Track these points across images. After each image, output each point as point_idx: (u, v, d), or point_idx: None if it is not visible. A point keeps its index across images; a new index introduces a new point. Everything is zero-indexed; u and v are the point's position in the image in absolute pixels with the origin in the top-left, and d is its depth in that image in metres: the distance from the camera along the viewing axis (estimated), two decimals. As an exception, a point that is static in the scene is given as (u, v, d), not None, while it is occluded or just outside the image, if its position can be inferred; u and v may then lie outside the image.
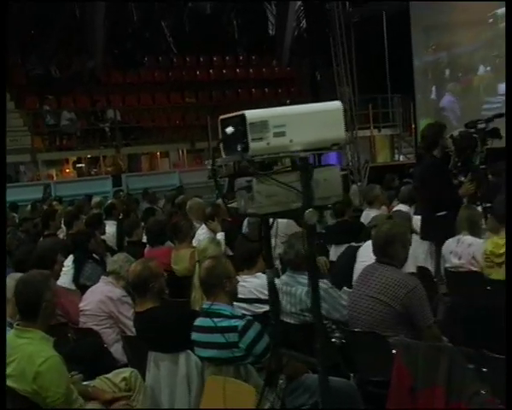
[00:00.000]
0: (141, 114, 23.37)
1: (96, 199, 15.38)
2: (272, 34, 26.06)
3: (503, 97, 20.65)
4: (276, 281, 6.52)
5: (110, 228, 11.36)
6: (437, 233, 8.36)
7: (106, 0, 22.20)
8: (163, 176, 21.05)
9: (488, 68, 21.29)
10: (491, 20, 21.13)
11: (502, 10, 20.84)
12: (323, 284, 5.89)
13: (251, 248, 6.47)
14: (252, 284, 6.40)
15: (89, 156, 23.25)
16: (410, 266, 7.06)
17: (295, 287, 6.12)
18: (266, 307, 6.44)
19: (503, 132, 9.25)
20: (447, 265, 7.79)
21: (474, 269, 7.39)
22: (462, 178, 9.24)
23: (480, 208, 8.68)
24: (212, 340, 5.04)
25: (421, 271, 8.04)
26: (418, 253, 8.65)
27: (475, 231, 7.65)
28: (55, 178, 22.43)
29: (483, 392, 4.93)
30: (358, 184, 19.16)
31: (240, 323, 5.02)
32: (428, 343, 5.19)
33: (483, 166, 9.06)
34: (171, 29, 25.24)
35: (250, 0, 25.93)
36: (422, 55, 22.21)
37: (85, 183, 21.46)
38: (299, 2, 23.31)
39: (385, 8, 24.16)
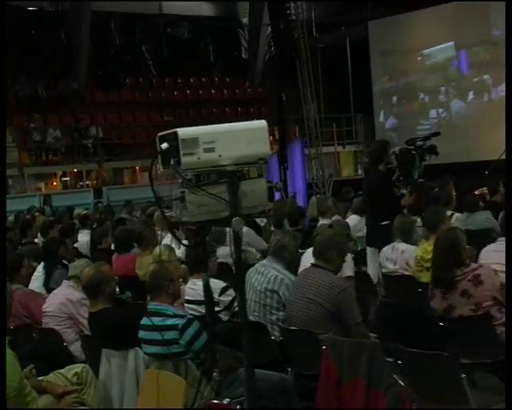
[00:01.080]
0: (122, 131, 23.40)
1: (78, 210, 15.47)
2: (245, 58, 26.11)
3: (435, 120, 21.10)
4: (256, 263, 6.78)
5: (84, 237, 11.46)
6: (380, 241, 8.47)
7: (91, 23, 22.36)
8: (142, 189, 21.00)
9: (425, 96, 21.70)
10: (419, 59, 21.55)
11: (429, 50, 21.34)
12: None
13: (199, 254, 6.58)
14: (200, 286, 6.48)
15: (75, 170, 23.27)
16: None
17: (268, 270, 6.40)
18: (216, 308, 6.60)
19: (439, 150, 9.47)
20: (383, 270, 7.94)
21: (407, 273, 7.54)
22: (404, 191, 9.42)
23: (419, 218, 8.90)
24: (156, 337, 5.14)
25: (361, 275, 8.18)
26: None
27: (408, 239, 7.80)
28: (43, 191, 22.45)
29: (401, 383, 5.08)
30: (319, 196, 19.30)
31: (180, 322, 5.14)
32: (351, 339, 5.33)
33: (421, 180, 9.25)
34: (150, 52, 25.23)
35: (224, 26, 26.09)
36: (379, 79, 22.37)
37: (69, 195, 21.54)
38: (269, 29, 23.39)
39: (349, 34, 24.44)
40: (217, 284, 6.63)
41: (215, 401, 4.44)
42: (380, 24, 21.90)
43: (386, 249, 7.98)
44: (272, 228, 11.33)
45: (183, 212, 4.42)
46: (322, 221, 10.74)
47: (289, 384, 5.62)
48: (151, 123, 23.44)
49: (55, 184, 23.88)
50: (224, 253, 9.53)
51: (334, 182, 21.29)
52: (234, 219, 4.27)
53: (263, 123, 4.55)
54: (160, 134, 4.53)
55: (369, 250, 9.05)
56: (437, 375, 4.88)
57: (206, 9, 25.63)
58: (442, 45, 20.88)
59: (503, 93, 19.48)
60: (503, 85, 19.60)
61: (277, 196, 18.63)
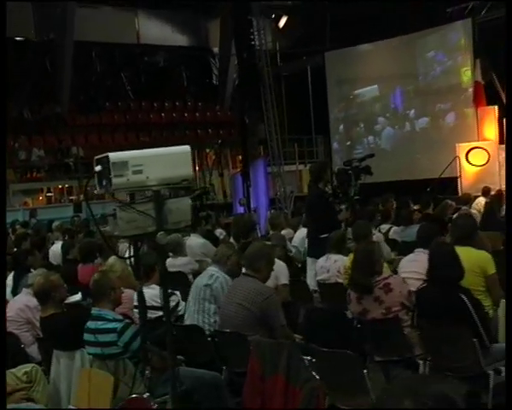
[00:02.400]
0: (101, 151, 23.16)
1: (55, 223, 15.53)
2: (216, 84, 26.23)
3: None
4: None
5: (58, 247, 11.54)
6: (319, 252, 8.63)
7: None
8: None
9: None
10: (364, 89, 21.83)
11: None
12: None
13: (147, 264, 6.72)
14: (147, 294, 6.60)
15: (60, 187, 23.28)
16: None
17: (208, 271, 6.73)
18: (160, 313, 6.74)
19: (373, 170, 9.68)
20: (318, 278, 8.10)
21: (339, 281, 7.71)
22: (342, 207, 9.61)
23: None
24: (98, 339, 5.28)
25: (299, 283, 8.34)
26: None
27: (340, 250, 7.96)
28: (30, 205, 22.44)
29: (317, 378, 5.24)
30: (273, 211, 19.38)
31: (119, 325, 5.27)
32: (273, 340, 5.49)
33: (357, 197, 9.43)
34: (129, 78, 25.32)
35: (197, 55, 26.26)
36: (334, 106, 22.62)
37: (53, 209, 21.57)
38: (237, 58, 23.56)
39: (309, 63, 24.69)
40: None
41: (134, 396, 4.58)
42: (335, 55, 22.08)
43: (322, 259, 8.14)
44: (231, 240, 11.49)
45: (116, 227, 4.61)
46: (273, 234, 10.89)
47: (220, 381, 5.75)
48: (128, 143, 23.32)
49: (41, 198, 23.90)
50: (181, 262, 9.73)
51: (296, 197, 21.42)
52: (159, 234, 4.44)
53: (186, 148, 4.71)
54: (96, 157, 4.69)
55: (309, 260, 9.21)
56: (342, 371, 5.05)
57: (180, 40, 25.77)
58: (383, 77, 21.21)
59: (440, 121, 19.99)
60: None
61: (241, 210, 18.79)
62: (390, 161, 19.69)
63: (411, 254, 7.13)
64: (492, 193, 14.29)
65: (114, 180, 4.37)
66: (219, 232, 12.95)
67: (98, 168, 4.50)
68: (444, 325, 5.48)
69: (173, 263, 9.57)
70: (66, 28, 22.54)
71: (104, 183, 4.46)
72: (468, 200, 13.24)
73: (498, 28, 18.56)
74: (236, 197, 19.83)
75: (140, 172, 4.43)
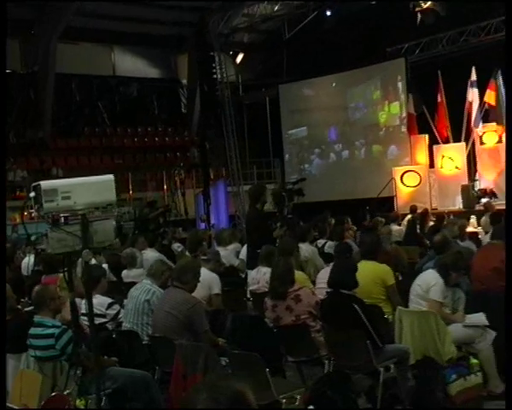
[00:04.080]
0: (79, 172, 23.34)
1: (32, 237, 15.50)
2: (184, 111, 26.37)
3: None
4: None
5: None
6: (256, 264, 8.81)
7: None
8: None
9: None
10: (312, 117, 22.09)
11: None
12: None
13: (92, 275, 6.86)
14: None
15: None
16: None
17: (145, 285, 6.85)
18: (102, 320, 6.90)
19: (306, 192, 9.93)
20: (250, 288, 8.27)
21: (267, 290, 7.87)
22: (278, 224, 9.83)
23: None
24: (38, 343, 5.42)
25: (236, 292, 8.52)
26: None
27: (270, 263, 8.13)
28: (17, 221, 22.32)
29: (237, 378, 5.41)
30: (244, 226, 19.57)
31: (56, 331, 5.40)
32: (194, 343, 5.66)
33: (290, 216, 9.67)
34: (105, 107, 25.30)
35: (167, 86, 26.42)
36: (287, 132, 22.91)
37: (34, 224, 21.49)
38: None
39: (268, 93, 24.94)
40: (104, 300, 6.94)
41: (54, 394, 4.72)
42: (287, 87, 22.41)
43: (254, 272, 8.32)
44: (187, 253, 11.62)
45: (48, 245, 4.76)
46: (219, 249, 11.04)
47: (150, 379, 5.88)
48: (103, 165, 23.42)
49: (26, 214, 23.74)
50: (135, 274, 9.86)
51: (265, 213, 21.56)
52: (84, 251, 4.62)
53: (110, 177, 4.89)
54: (33, 184, 4.87)
55: (248, 272, 9.38)
56: (250, 370, 5.23)
57: (152, 72, 25.93)
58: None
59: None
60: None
61: (202, 225, 18.96)
62: (336, 184, 20.00)
63: (327, 267, 7.36)
64: (419, 211, 14.63)
65: (45, 205, 4.55)
66: (177, 246, 13.07)
67: (32, 194, 4.67)
68: (342, 329, 5.71)
69: (128, 274, 9.72)
70: (48, 62, 22.67)
71: (37, 207, 4.63)
72: (396, 217, 13.55)
73: (428, 66, 19.06)
74: (199, 214, 20.00)
75: (68, 198, 4.60)
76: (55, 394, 4.70)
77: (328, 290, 5.96)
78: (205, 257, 8.07)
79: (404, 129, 19.50)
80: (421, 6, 14.64)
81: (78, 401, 4.97)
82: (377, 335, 5.60)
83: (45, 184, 4.60)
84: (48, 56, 22.67)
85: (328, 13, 17.35)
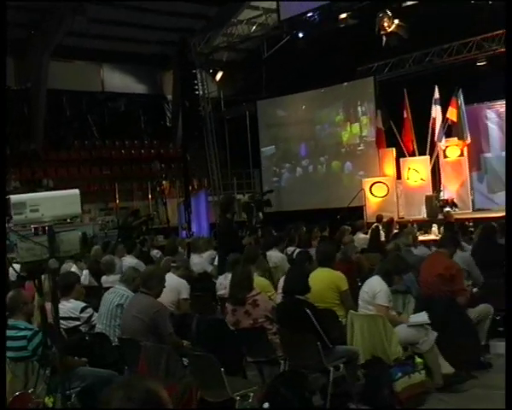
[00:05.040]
0: (69, 182, 23.29)
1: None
2: (169, 125, 26.41)
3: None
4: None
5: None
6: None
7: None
8: (81, 227, 20.87)
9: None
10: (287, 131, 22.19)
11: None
12: None
13: (66, 282, 6.95)
14: (66, 306, 6.84)
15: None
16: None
17: (118, 290, 6.93)
18: (76, 323, 6.97)
19: (281, 202, 10.05)
20: (218, 293, 8.37)
21: (231, 295, 7.97)
22: (248, 232, 9.97)
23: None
24: (12, 345, 5.48)
25: (206, 297, 8.61)
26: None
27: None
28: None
29: (190, 376, 5.53)
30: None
31: (28, 333, 5.49)
32: (156, 345, 5.75)
33: (259, 225, 9.80)
34: (94, 121, 25.25)
35: (153, 101, 26.48)
36: (265, 145, 23.05)
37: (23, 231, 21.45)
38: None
39: (248, 109, 25.06)
40: (78, 305, 7.02)
41: (18, 393, 4.80)
42: (265, 103, 22.59)
43: (221, 277, 8.43)
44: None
45: (17, 254, 4.86)
46: (194, 256, 11.14)
47: (116, 378, 5.95)
48: (92, 176, 23.48)
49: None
50: (113, 279, 9.91)
51: (235, 223, 21.63)
52: (50, 260, 4.72)
53: (75, 191, 4.99)
54: (7, 197, 4.97)
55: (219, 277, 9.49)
56: (208, 370, 5.34)
57: (139, 88, 25.95)
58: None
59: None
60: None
61: (183, 233, 19.03)
62: (307, 195, 20.15)
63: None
64: (385, 220, 14.81)
65: (14, 217, 4.64)
66: (156, 252, 13.14)
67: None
68: (295, 332, 5.84)
69: (106, 280, 9.79)
70: (41, 78, 22.71)
71: (7, 219, 4.72)
72: (362, 226, 13.69)
73: (395, 85, 19.29)
74: (180, 223, 20.07)
75: (36, 210, 4.70)
76: (18, 393, 4.77)
77: (284, 295, 6.08)
78: (175, 264, 8.15)
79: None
80: (385, 30, 14.86)
81: (46, 399, 5.04)
82: (327, 337, 5.72)
83: (14, 197, 4.69)
84: (40, 73, 22.72)
85: (301, 34, 17.51)
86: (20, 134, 23.85)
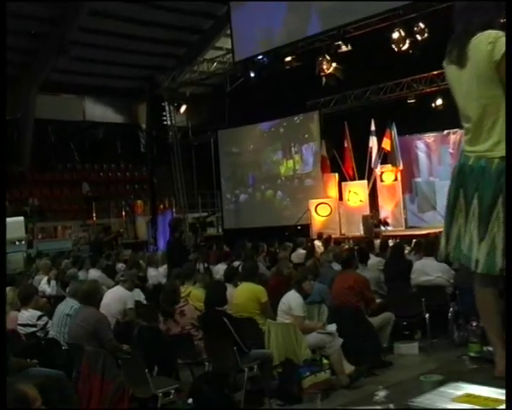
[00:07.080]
0: (52, 202, 23.31)
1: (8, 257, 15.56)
2: (143, 151, 26.60)
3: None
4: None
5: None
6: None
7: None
8: (62, 242, 20.94)
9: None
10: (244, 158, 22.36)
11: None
12: None
13: (26, 293, 7.11)
14: (25, 315, 6.98)
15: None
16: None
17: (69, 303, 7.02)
18: (33, 329, 7.11)
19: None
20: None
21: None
22: (193, 250, 10.20)
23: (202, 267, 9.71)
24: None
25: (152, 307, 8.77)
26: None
27: (183, 282, 8.39)
28: None
29: (122, 375, 5.71)
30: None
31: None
32: (95, 349, 5.92)
33: (203, 243, 10.04)
34: (75, 146, 25.37)
35: (129, 129, 26.64)
36: (224, 170, 23.26)
37: (13, 246, 21.36)
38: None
39: (212, 136, 25.26)
40: (35, 313, 7.16)
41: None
42: (224, 133, 22.89)
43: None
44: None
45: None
46: (150, 269, 11.28)
47: (63, 377, 6.09)
48: (73, 196, 23.56)
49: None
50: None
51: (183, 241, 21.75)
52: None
53: (20, 218, 5.30)
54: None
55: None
56: (134, 370, 5.53)
57: (117, 118, 26.15)
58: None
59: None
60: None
61: (150, 248, 19.16)
62: (256, 215, 20.53)
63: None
64: (324, 236, 15.13)
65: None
66: (121, 266, 13.23)
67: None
68: (215, 338, 6.08)
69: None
70: (29, 110, 22.92)
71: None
72: (302, 243, 13.94)
73: (338, 118, 19.75)
74: (148, 238, 20.21)
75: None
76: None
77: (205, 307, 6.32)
78: (122, 278, 8.32)
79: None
80: (324, 72, 15.30)
81: None
82: (243, 342, 5.97)
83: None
84: (28, 105, 22.92)
85: (252, 74, 17.92)
86: (9, 158, 23.78)
